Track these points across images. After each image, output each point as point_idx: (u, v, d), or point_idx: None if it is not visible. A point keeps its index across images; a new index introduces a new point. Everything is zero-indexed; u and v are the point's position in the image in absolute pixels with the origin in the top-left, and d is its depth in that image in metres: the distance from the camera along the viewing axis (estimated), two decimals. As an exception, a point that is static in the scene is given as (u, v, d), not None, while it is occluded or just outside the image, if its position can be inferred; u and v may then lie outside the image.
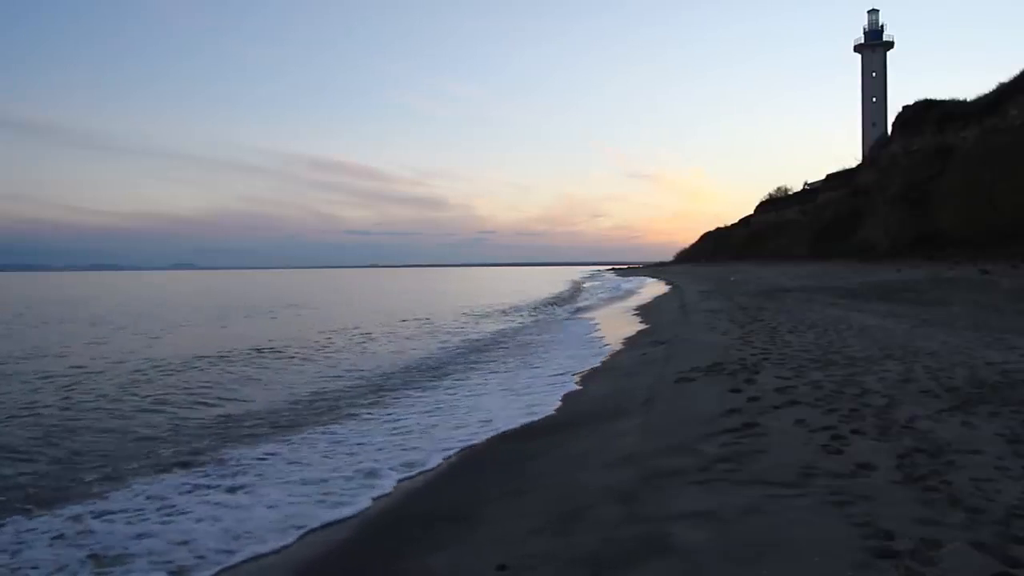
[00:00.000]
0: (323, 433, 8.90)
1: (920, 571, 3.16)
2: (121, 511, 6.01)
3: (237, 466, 7.37)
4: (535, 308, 35.16)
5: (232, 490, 6.52)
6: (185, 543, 5.25)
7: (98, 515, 5.93)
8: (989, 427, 5.54)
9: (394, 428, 9.08)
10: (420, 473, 7.04)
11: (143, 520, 5.79)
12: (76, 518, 5.87)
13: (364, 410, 10.36)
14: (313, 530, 5.60)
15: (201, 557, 5.05)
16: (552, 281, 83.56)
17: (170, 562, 4.99)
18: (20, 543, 5.42)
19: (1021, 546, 3.35)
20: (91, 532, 5.57)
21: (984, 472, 4.44)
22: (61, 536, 5.51)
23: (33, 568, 4.97)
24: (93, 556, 5.11)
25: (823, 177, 67.51)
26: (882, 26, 66.18)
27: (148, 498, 6.33)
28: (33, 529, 5.70)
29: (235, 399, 11.50)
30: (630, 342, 17.02)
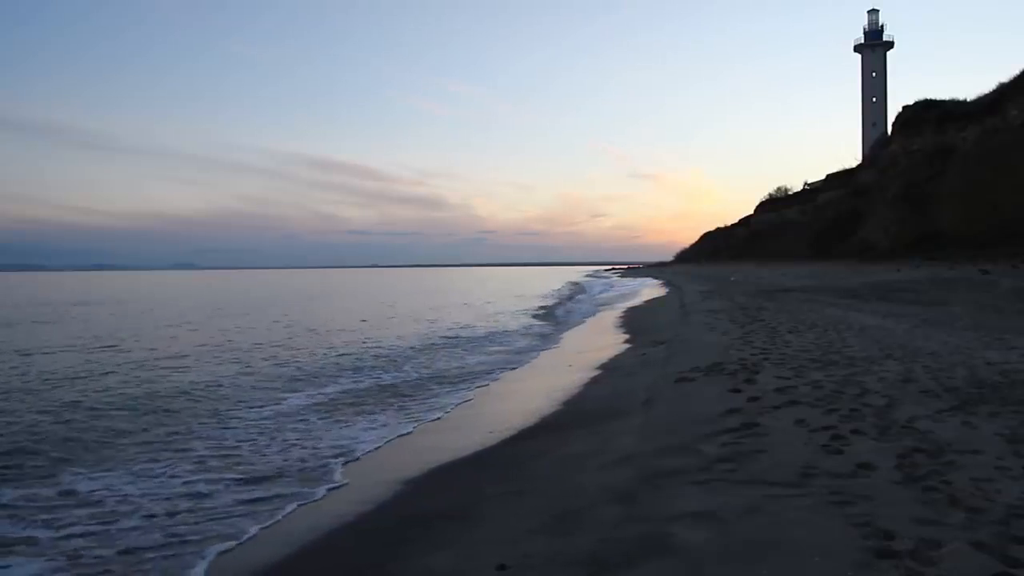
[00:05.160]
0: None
1: (920, 571, 3.16)
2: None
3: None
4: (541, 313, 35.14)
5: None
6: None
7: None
8: (989, 427, 5.54)
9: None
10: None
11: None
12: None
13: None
14: (309, 526, 5.62)
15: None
16: (554, 282, 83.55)
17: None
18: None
19: (1021, 546, 3.35)
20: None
21: (984, 472, 4.44)
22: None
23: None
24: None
25: (823, 177, 67.59)
26: (882, 26, 66.26)
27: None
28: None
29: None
30: (630, 342, 17.02)
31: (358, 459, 7.79)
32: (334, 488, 6.75)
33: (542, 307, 35.93)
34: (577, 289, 57.25)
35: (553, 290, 57.50)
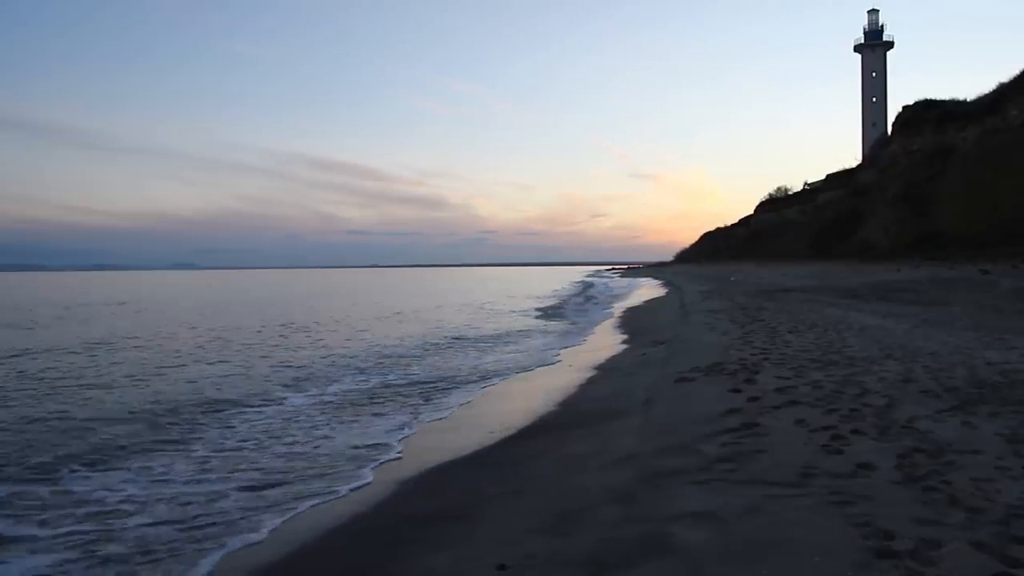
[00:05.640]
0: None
1: (920, 571, 3.16)
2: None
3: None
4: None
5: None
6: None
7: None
8: (989, 427, 5.54)
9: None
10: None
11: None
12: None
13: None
14: (311, 526, 5.62)
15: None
16: (555, 282, 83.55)
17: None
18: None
19: (1021, 546, 3.35)
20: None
21: (984, 472, 4.44)
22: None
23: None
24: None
25: (823, 177, 67.61)
26: (882, 26, 66.27)
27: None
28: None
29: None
30: (630, 342, 17.03)
31: (357, 459, 7.78)
32: (333, 488, 6.74)
33: (547, 307, 35.96)
34: (580, 289, 57.26)
35: (555, 290, 57.53)
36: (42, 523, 5.94)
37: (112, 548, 5.37)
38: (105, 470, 7.48)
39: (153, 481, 7.07)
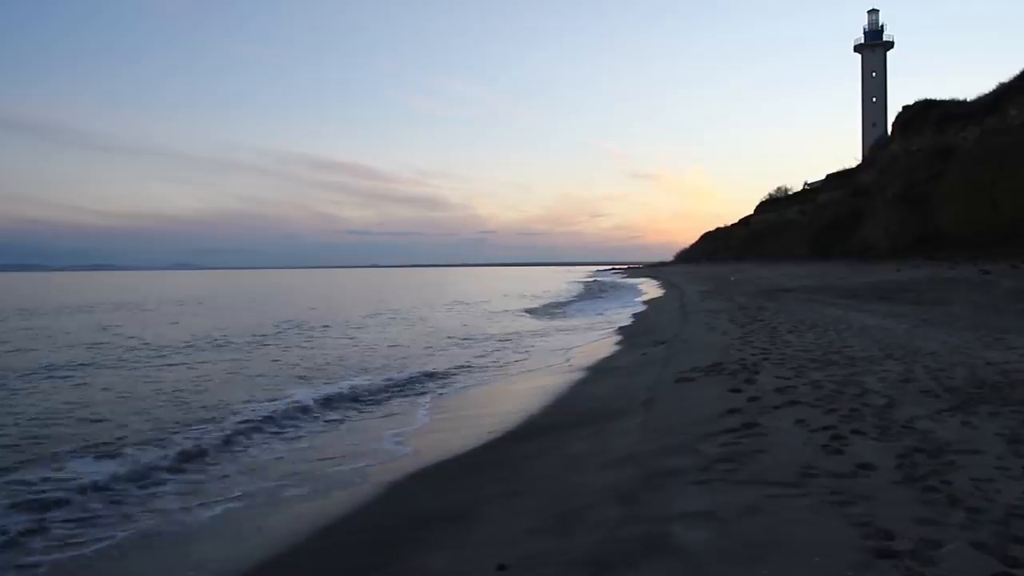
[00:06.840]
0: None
1: (920, 571, 3.16)
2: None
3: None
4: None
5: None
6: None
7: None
8: (989, 427, 5.53)
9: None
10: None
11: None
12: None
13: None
14: (307, 526, 5.62)
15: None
16: (557, 282, 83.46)
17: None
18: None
19: (1021, 546, 3.35)
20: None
21: (984, 472, 4.44)
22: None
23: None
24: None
25: (823, 177, 67.58)
26: (882, 26, 66.23)
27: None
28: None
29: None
30: (630, 342, 17.03)
31: (357, 458, 7.78)
32: (332, 487, 6.74)
33: (549, 306, 35.96)
34: (582, 289, 57.25)
35: (556, 290, 57.52)
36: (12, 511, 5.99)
37: (88, 545, 5.40)
38: (89, 463, 7.47)
39: (139, 476, 7.07)
